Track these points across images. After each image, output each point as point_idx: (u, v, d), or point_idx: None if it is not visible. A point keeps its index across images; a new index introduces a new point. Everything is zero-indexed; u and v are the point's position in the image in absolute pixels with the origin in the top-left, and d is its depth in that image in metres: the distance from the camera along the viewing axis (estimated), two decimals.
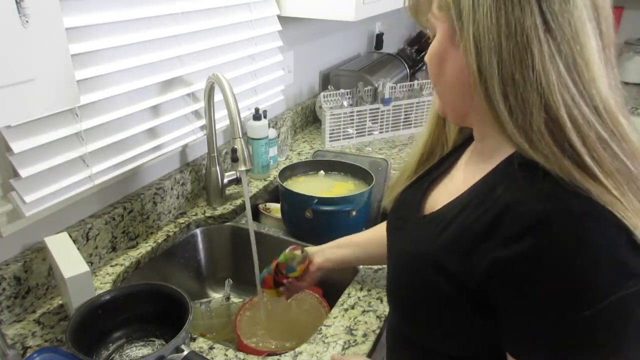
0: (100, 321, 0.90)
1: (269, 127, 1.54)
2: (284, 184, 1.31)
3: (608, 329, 0.51)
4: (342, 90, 1.79)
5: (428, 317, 0.67)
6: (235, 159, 1.11)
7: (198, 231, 1.33)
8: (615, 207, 0.51)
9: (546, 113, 0.53)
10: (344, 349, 0.90)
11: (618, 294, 0.49)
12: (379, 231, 1.00)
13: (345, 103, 1.79)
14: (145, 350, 0.92)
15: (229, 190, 1.43)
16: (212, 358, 0.89)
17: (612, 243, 0.50)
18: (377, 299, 1.03)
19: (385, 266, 1.13)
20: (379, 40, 2.52)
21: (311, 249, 1.07)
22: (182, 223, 1.29)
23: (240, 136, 1.11)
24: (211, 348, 0.92)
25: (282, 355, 0.90)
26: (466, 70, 0.58)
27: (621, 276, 0.50)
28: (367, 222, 1.31)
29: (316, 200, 1.23)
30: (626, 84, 2.80)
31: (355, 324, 0.97)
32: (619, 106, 0.55)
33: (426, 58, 0.67)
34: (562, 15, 0.53)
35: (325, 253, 1.05)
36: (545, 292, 0.52)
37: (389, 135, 1.90)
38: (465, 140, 0.77)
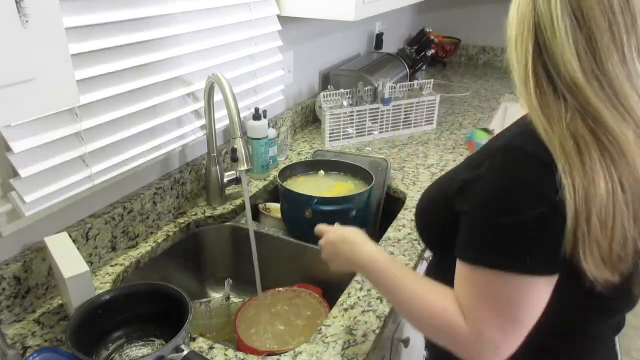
0: (100, 321, 0.90)
1: (269, 127, 1.54)
2: (284, 184, 1.31)
3: (513, 238, 0.65)
4: (342, 90, 1.79)
5: (442, 240, 0.80)
6: (235, 159, 1.11)
7: (198, 231, 1.33)
8: (558, 158, 0.62)
9: (544, 69, 0.65)
10: (344, 349, 0.90)
11: (527, 213, 0.63)
12: None
13: (345, 103, 1.79)
14: (145, 350, 0.92)
15: (229, 190, 1.43)
16: (212, 358, 0.89)
17: (534, 172, 0.64)
18: (377, 299, 1.03)
19: None
20: (379, 40, 2.52)
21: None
22: (182, 223, 1.29)
23: (240, 136, 1.11)
24: (211, 348, 0.92)
25: (282, 355, 0.90)
26: None
27: (534, 199, 0.63)
28: (367, 222, 1.31)
29: (316, 200, 1.23)
30: None
31: (355, 324, 0.97)
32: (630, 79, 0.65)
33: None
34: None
35: None
36: (478, 204, 0.68)
37: (389, 135, 1.90)
38: None
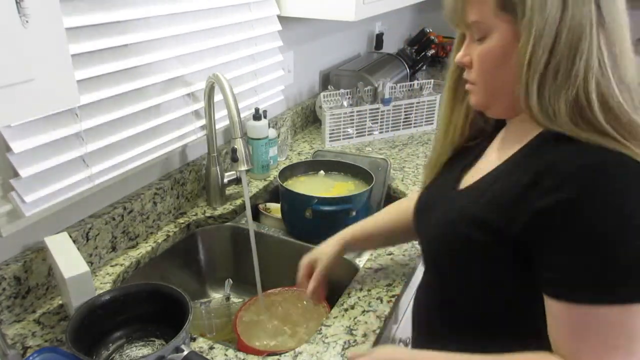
0: (100, 321, 0.90)
1: (269, 127, 1.54)
2: (284, 184, 1.31)
3: (637, 266, 0.57)
4: (342, 90, 1.79)
5: (468, 274, 0.72)
6: (235, 159, 1.11)
7: (198, 231, 1.33)
8: None
9: (575, 97, 0.61)
10: (344, 349, 0.90)
11: None
12: (399, 212, 1.04)
13: (345, 103, 1.79)
14: (145, 350, 0.92)
15: (229, 190, 1.43)
16: (212, 358, 0.89)
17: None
18: (377, 299, 1.03)
19: (386, 265, 1.13)
20: (379, 40, 2.52)
21: (332, 254, 1.04)
22: (182, 223, 1.29)
23: (240, 136, 1.11)
24: (211, 348, 0.92)
25: (282, 355, 0.90)
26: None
27: None
28: None
29: (316, 200, 1.23)
30: None
31: (355, 324, 0.97)
32: (637, 87, 0.64)
33: (475, 58, 0.70)
34: (613, 10, 0.61)
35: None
36: (581, 234, 0.59)
37: (389, 135, 1.90)
38: (493, 130, 0.83)
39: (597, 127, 0.61)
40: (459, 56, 0.73)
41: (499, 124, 0.81)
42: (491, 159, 0.77)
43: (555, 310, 0.63)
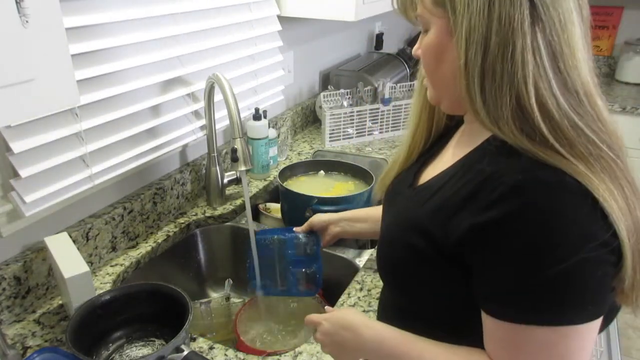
0: (100, 321, 0.90)
1: (269, 127, 1.54)
2: (284, 184, 1.31)
3: (569, 287, 0.55)
4: (342, 90, 1.79)
5: (416, 283, 0.71)
6: (235, 159, 1.11)
7: (198, 231, 1.33)
8: (583, 179, 0.55)
9: (517, 103, 0.58)
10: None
11: (579, 255, 0.54)
12: None
13: (345, 103, 1.79)
14: (145, 350, 0.92)
15: (229, 190, 1.43)
16: (212, 358, 0.89)
17: (577, 210, 0.55)
18: (377, 299, 1.03)
19: None
20: (379, 40, 2.52)
21: (327, 217, 1.09)
22: (182, 223, 1.29)
23: (240, 136, 1.11)
24: (211, 348, 0.92)
25: (282, 355, 0.90)
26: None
27: (583, 240, 0.55)
28: None
29: (316, 200, 1.23)
30: (626, 84, 2.79)
31: None
32: (596, 87, 0.60)
33: (420, 51, 0.70)
34: (553, 7, 0.57)
35: (343, 225, 1.09)
36: (514, 253, 0.57)
37: (389, 135, 1.90)
38: (456, 124, 0.81)
39: (540, 138, 0.57)
40: (414, 48, 0.73)
41: (461, 121, 0.80)
42: (446, 157, 0.76)
43: (488, 325, 0.62)
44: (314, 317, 0.83)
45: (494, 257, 0.59)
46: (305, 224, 1.11)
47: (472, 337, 0.65)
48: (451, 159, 0.72)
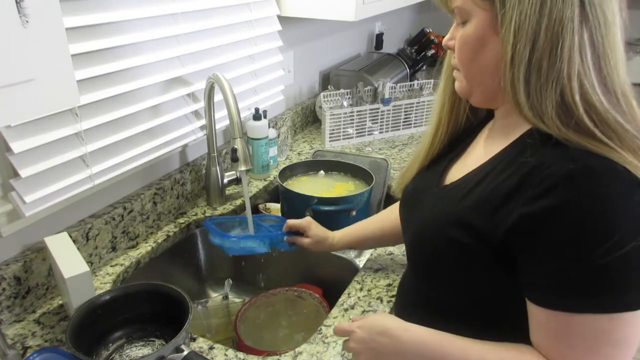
0: (100, 321, 0.90)
1: (269, 127, 1.54)
2: (284, 184, 1.31)
3: (623, 274, 0.57)
4: (342, 90, 1.79)
5: (450, 273, 0.72)
6: (235, 159, 1.11)
7: (198, 231, 1.33)
8: (632, 167, 0.57)
9: (561, 98, 0.60)
10: (344, 349, 0.90)
11: (633, 243, 0.55)
12: (383, 216, 1.07)
13: (345, 103, 1.79)
14: (145, 350, 0.92)
15: (229, 190, 1.43)
16: (212, 358, 0.89)
17: (631, 197, 0.56)
18: (377, 299, 1.03)
19: (386, 265, 1.13)
20: (379, 40, 2.52)
21: (322, 236, 1.09)
22: (182, 223, 1.29)
23: (240, 136, 1.11)
24: (211, 348, 0.92)
25: (282, 355, 0.90)
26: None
27: (637, 228, 0.56)
28: None
29: (316, 200, 1.23)
30: None
31: None
32: (631, 89, 0.63)
33: (454, 43, 0.71)
34: (600, 8, 0.59)
35: (332, 247, 1.10)
36: (570, 241, 0.57)
37: (389, 135, 1.90)
38: (479, 123, 0.82)
39: (585, 130, 0.59)
40: (445, 39, 0.73)
41: (488, 117, 0.81)
42: (477, 154, 0.76)
43: (539, 316, 0.62)
44: (345, 325, 0.81)
45: (547, 246, 0.59)
46: (298, 220, 1.10)
47: (503, 330, 0.67)
48: (484, 155, 0.73)
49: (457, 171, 0.78)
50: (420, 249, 0.79)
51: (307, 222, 1.09)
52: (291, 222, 1.10)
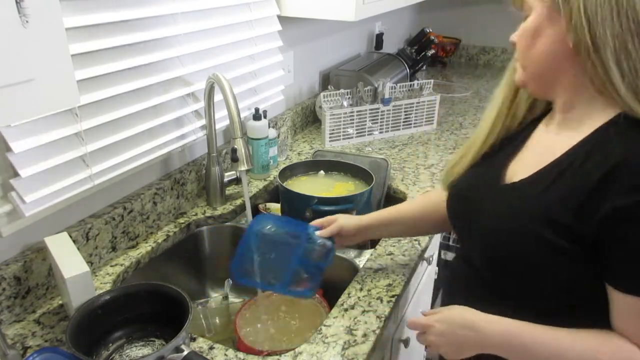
0: (100, 321, 0.90)
1: (269, 127, 1.54)
2: (284, 184, 1.31)
3: None
4: (342, 90, 1.79)
5: (532, 267, 0.72)
6: (235, 159, 1.11)
7: (198, 231, 1.33)
8: None
9: None
10: (344, 349, 0.90)
11: None
12: (425, 205, 1.05)
13: (345, 103, 1.79)
14: (145, 350, 0.92)
15: (229, 190, 1.43)
16: (212, 358, 0.89)
17: None
18: (377, 299, 1.03)
19: (386, 265, 1.13)
20: (379, 40, 2.52)
21: (355, 225, 1.05)
22: (182, 223, 1.29)
23: (240, 136, 1.11)
24: (211, 348, 0.92)
25: (282, 355, 0.90)
26: (560, 44, 0.68)
27: None
28: None
29: (316, 200, 1.23)
30: None
31: (355, 324, 0.97)
32: None
33: (519, 33, 0.75)
34: None
35: (369, 234, 1.09)
36: None
37: (389, 135, 1.90)
38: (533, 119, 0.84)
39: None
40: (512, 35, 0.77)
41: (545, 111, 0.83)
42: (539, 150, 0.77)
43: (625, 303, 0.65)
44: (422, 320, 0.83)
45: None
46: (329, 229, 1.03)
47: (576, 317, 0.70)
48: (551, 151, 0.74)
49: (521, 167, 0.79)
50: (498, 246, 0.78)
51: (337, 227, 1.03)
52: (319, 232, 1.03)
